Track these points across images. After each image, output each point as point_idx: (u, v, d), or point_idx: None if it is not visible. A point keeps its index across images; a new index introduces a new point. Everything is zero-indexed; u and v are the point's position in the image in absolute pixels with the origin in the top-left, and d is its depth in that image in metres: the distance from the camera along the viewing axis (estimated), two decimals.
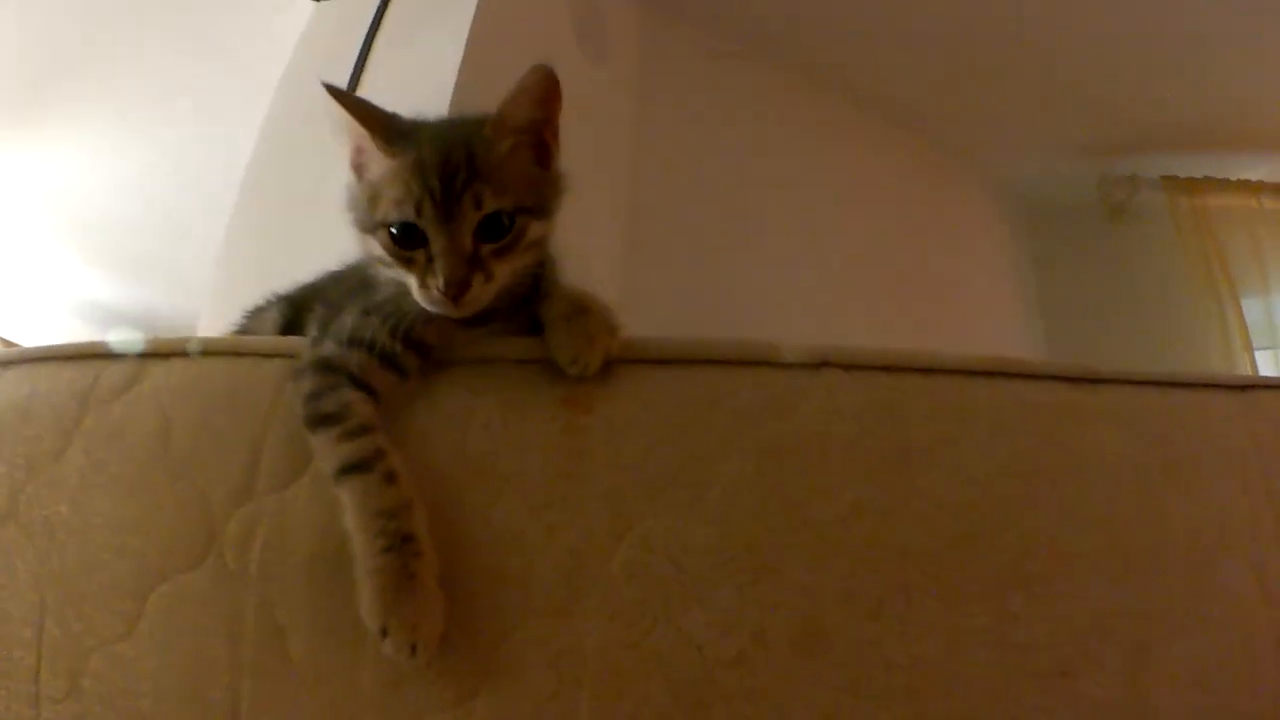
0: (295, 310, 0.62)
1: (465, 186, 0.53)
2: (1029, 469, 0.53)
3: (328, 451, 0.46)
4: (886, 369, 0.51)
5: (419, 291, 0.51)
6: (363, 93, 1.13)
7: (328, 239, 0.66)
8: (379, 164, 0.56)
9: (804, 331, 1.75)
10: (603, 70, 1.50)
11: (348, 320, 0.51)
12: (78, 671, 0.50)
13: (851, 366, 0.50)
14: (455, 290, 0.50)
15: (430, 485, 0.45)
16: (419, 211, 0.53)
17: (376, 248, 0.54)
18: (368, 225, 0.55)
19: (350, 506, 0.44)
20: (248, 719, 0.45)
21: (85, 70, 2.46)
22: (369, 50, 1.18)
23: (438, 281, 0.51)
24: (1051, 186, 2.45)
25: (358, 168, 0.59)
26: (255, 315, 0.65)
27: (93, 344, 0.54)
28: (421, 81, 0.94)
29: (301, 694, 0.45)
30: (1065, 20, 1.87)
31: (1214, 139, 2.19)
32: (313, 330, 0.53)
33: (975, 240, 2.41)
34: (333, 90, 0.56)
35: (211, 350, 0.51)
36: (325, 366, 0.48)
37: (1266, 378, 0.61)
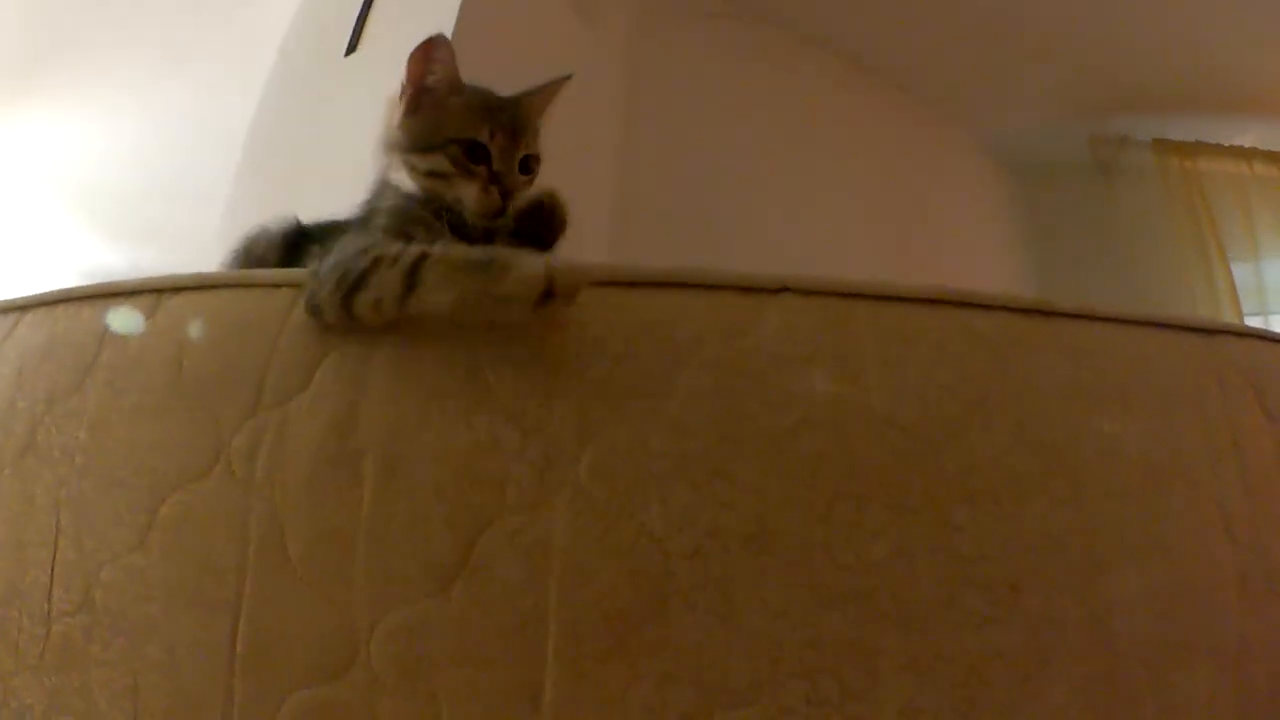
0: (298, 236, 0.77)
1: (521, 131, 0.80)
2: (975, 392, 0.60)
3: (383, 283, 0.54)
4: (841, 295, 0.59)
5: (478, 195, 0.75)
6: (363, 53, 1.24)
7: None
8: (454, 98, 0.81)
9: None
10: (594, 30, 1.59)
11: (350, 243, 0.60)
12: (89, 585, 0.59)
13: (809, 292, 0.58)
14: (508, 196, 0.76)
15: (415, 398, 0.54)
16: (491, 137, 0.77)
17: (436, 161, 0.76)
18: (432, 142, 0.78)
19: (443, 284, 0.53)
20: (249, 615, 0.54)
21: (85, 38, 2.55)
22: (368, 12, 1.28)
23: (498, 187, 0.75)
24: (1043, 145, 2.52)
25: (415, 101, 0.81)
26: (261, 234, 0.76)
27: (110, 284, 0.63)
28: (422, 30, 1.04)
29: (300, 590, 0.53)
30: None
31: (1206, 103, 2.26)
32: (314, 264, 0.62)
33: (967, 197, 2.48)
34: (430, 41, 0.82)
35: (223, 283, 0.60)
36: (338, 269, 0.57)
37: (1234, 324, 0.68)
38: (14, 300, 0.67)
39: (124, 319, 0.62)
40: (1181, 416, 0.67)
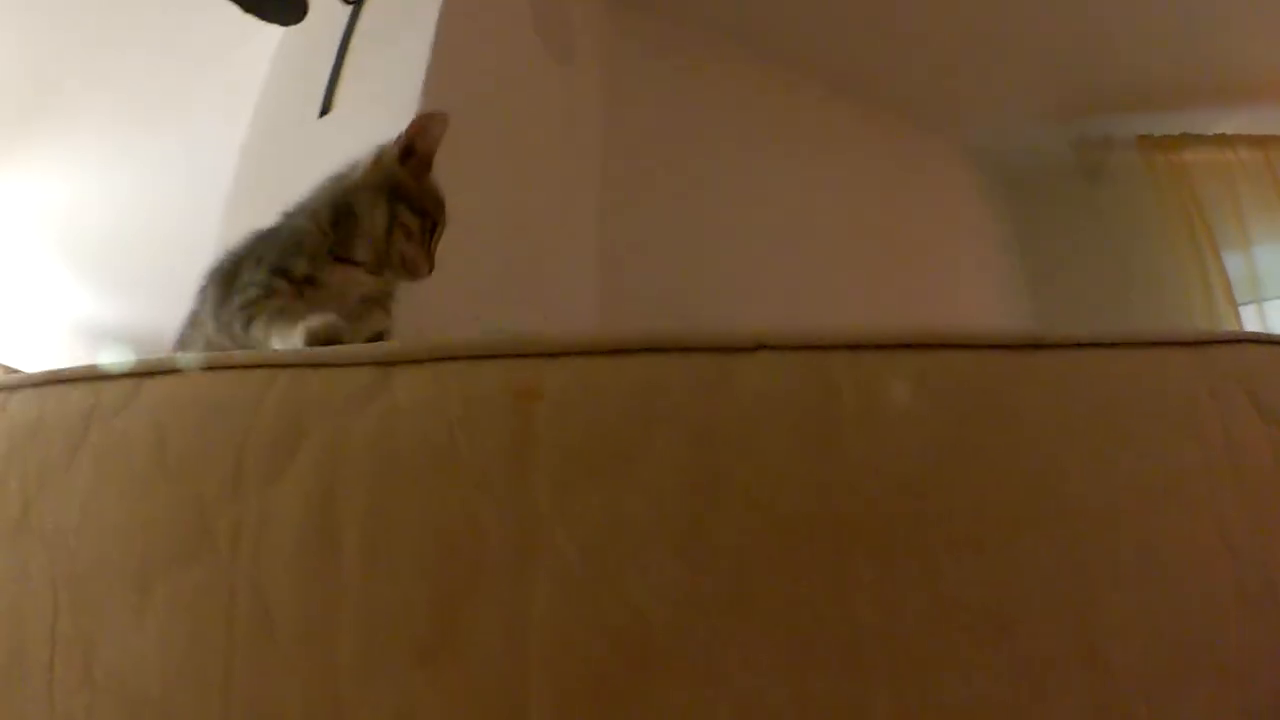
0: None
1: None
2: (961, 436, 0.60)
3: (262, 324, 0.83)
4: (818, 348, 0.59)
5: (423, 262, 0.98)
6: (338, 104, 1.29)
7: None
8: (429, 177, 1.01)
9: (781, 314, 1.84)
10: (570, 69, 1.61)
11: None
12: (89, 663, 0.61)
13: (785, 347, 0.58)
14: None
15: (393, 475, 0.55)
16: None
17: (411, 219, 0.96)
18: (414, 205, 0.97)
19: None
20: (240, 689, 0.55)
21: (68, 91, 2.63)
22: (341, 65, 1.31)
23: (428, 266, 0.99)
24: (1027, 152, 2.52)
25: (404, 156, 0.99)
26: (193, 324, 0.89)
27: (93, 367, 0.64)
28: (392, 91, 1.09)
29: (287, 664, 0.55)
30: None
31: (1187, 95, 2.25)
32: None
33: (955, 210, 2.48)
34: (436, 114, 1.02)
35: (199, 365, 0.61)
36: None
37: (1223, 332, 0.67)
38: (2, 381, 0.69)
39: (117, 361, 0.65)
40: (1173, 434, 0.66)
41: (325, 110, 1.31)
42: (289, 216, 1.00)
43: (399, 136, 0.98)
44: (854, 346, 0.60)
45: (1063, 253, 2.47)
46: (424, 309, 1.00)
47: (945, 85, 2.31)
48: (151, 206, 3.21)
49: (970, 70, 2.23)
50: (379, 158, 0.99)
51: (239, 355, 0.62)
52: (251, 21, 1.47)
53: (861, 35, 2.12)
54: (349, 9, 1.50)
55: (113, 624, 0.59)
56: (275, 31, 1.74)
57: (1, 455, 0.66)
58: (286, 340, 0.80)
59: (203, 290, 1.00)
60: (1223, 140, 2.39)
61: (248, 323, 0.85)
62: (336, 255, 0.94)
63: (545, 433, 0.54)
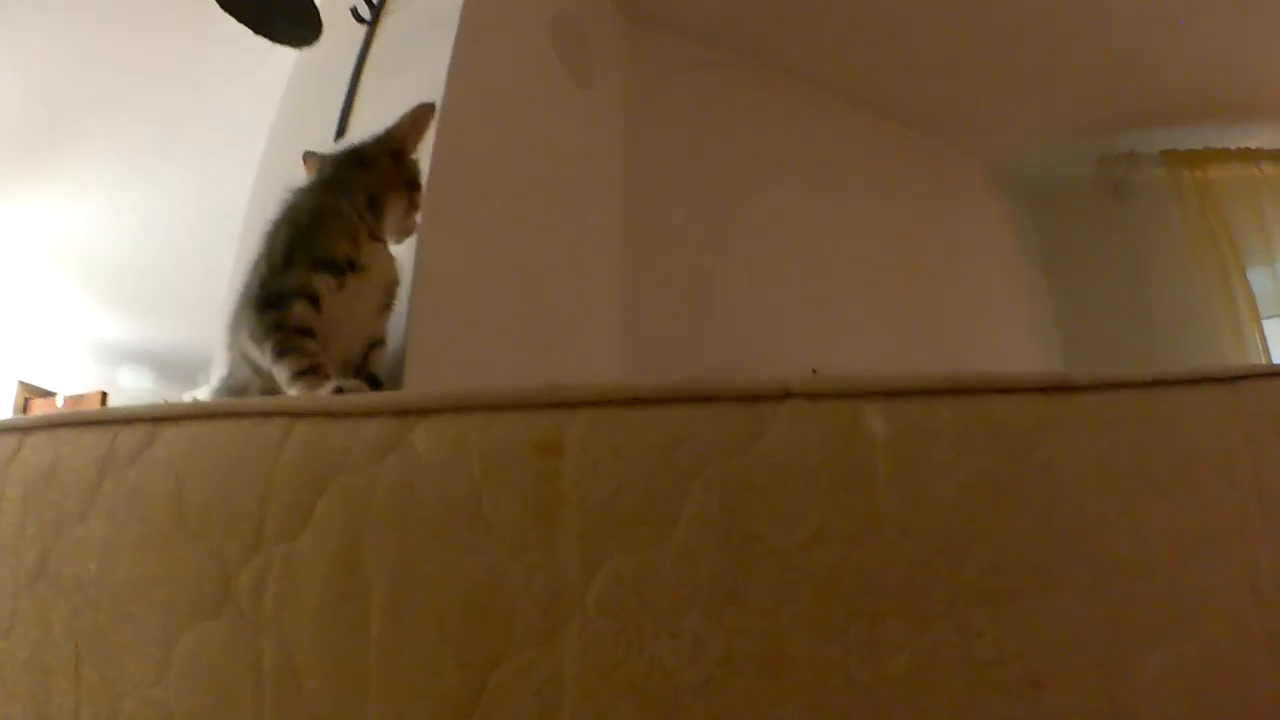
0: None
1: None
2: (996, 487, 0.59)
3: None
4: (849, 396, 0.58)
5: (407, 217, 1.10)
6: (354, 128, 1.30)
7: None
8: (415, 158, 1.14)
9: (809, 339, 1.83)
10: (590, 93, 1.60)
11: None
12: (114, 714, 0.61)
13: (815, 395, 0.57)
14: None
15: (417, 531, 0.54)
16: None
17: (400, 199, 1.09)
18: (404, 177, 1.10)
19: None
20: None
21: (82, 116, 2.68)
22: (356, 89, 1.30)
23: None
24: (1052, 169, 2.49)
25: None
26: (217, 392, 0.93)
27: (107, 410, 0.64)
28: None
29: None
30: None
31: (1211, 109, 2.21)
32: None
33: (979, 228, 2.45)
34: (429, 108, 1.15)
35: (216, 413, 0.60)
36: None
37: (1256, 366, 0.66)
38: (13, 421, 0.68)
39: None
40: (1207, 481, 0.65)
41: (341, 133, 1.31)
42: (292, 205, 1.05)
43: (402, 126, 1.10)
44: (885, 394, 0.59)
45: (1088, 268, 2.45)
46: (446, 343, 1.00)
47: (970, 103, 2.28)
48: (166, 230, 3.31)
49: (995, 88, 2.21)
50: (397, 151, 1.10)
51: (255, 402, 0.61)
52: (265, 46, 1.47)
53: (884, 52, 2.09)
54: (363, 30, 1.49)
55: (136, 676, 0.59)
56: (288, 55, 1.74)
57: (18, 501, 0.65)
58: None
59: (233, 312, 1.01)
60: (1247, 155, 2.36)
61: (279, 354, 0.88)
62: (373, 234, 1.04)
63: (572, 492, 0.53)
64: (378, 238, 1.05)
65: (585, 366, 1.47)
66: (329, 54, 1.53)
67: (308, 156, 1.15)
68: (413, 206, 1.10)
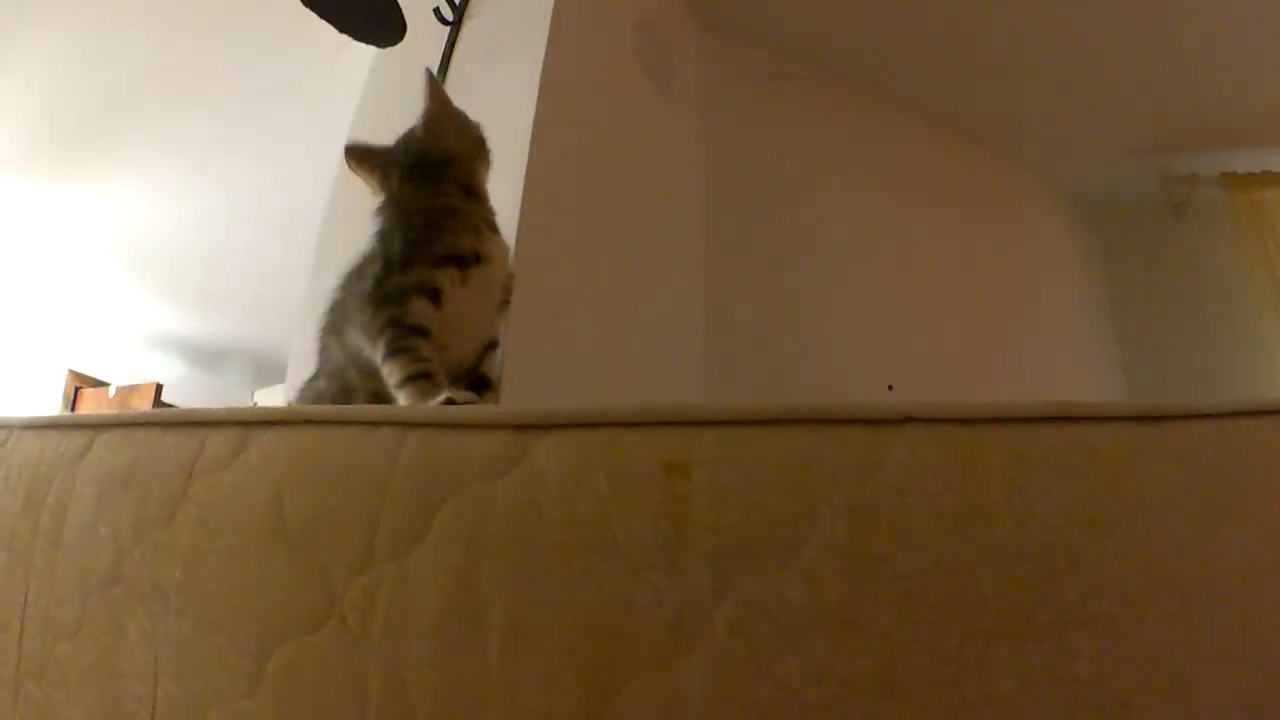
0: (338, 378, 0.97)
1: None
2: (1094, 513, 0.61)
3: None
4: (964, 421, 0.59)
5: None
6: None
7: None
8: None
9: (882, 353, 1.86)
10: (671, 99, 1.59)
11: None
12: None
13: (933, 420, 0.58)
14: None
15: (541, 550, 0.54)
16: None
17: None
18: None
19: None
20: None
21: (142, 110, 2.70)
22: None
23: None
24: (1114, 188, 2.57)
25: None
26: (307, 387, 0.89)
27: (192, 412, 0.61)
28: (500, 122, 1.07)
29: None
30: (1117, 21, 1.94)
31: (1271, 132, 2.28)
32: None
33: (1043, 244, 2.52)
34: None
35: (316, 419, 0.59)
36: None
37: None
38: (84, 417, 0.65)
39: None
40: (1276, 511, 0.69)
41: None
42: (401, 204, 1.02)
43: (437, 105, 1.08)
44: (997, 420, 0.60)
45: (1148, 286, 2.54)
46: (537, 347, 0.99)
47: (1038, 123, 2.34)
48: (227, 224, 3.34)
49: (1061, 108, 2.26)
50: (452, 128, 1.08)
51: (361, 410, 0.60)
52: (338, 43, 1.43)
53: (957, 71, 2.12)
54: (446, 31, 1.46)
55: (223, 688, 0.58)
56: (362, 54, 1.69)
57: (90, 500, 0.62)
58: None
59: (336, 301, 0.98)
60: None
61: (391, 352, 0.86)
62: (489, 223, 1.02)
63: (702, 515, 0.53)
64: (492, 226, 1.03)
65: (667, 367, 1.47)
66: (410, 54, 1.50)
67: (360, 153, 1.10)
68: (489, 160, 1.09)
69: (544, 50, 1.19)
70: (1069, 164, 2.53)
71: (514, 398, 1.00)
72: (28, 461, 0.69)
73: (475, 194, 1.05)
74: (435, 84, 1.11)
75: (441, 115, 1.08)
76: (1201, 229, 2.49)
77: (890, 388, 1.73)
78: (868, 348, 1.89)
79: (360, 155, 1.09)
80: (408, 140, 1.08)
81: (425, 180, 1.03)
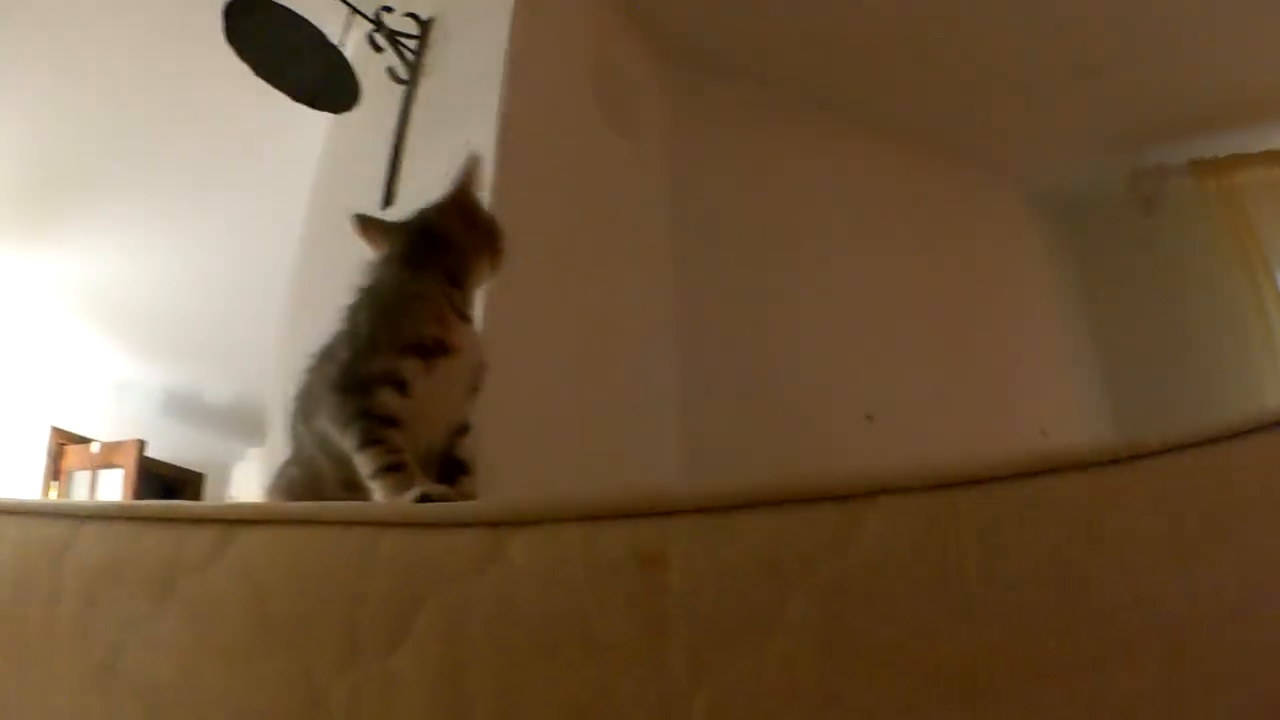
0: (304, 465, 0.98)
1: None
2: (1070, 565, 0.62)
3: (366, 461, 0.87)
4: (939, 487, 0.60)
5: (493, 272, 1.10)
6: (400, 196, 1.26)
7: None
8: None
9: (861, 380, 1.85)
10: (634, 143, 1.57)
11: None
12: None
13: (905, 489, 0.59)
14: None
15: (521, 646, 0.55)
16: None
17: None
18: None
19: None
20: None
21: (112, 168, 2.73)
22: (400, 149, 1.25)
23: None
24: (1083, 187, 2.54)
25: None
26: (282, 473, 0.90)
27: (171, 507, 0.62)
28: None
29: None
30: (1070, 12, 1.88)
31: (1237, 114, 2.24)
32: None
33: (1016, 249, 2.50)
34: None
35: (293, 518, 0.59)
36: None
37: None
38: (66, 506, 0.66)
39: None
40: (1268, 531, 0.69)
41: (389, 193, 1.27)
42: (375, 283, 1.02)
43: (462, 186, 1.08)
44: (971, 482, 0.60)
45: (1123, 282, 2.50)
46: (504, 414, 1.00)
47: (1001, 125, 2.31)
48: (200, 278, 3.52)
49: (1022, 110, 2.22)
50: (466, 212, 1.08)
51: (336, 509, 0.60)
52: (290, 115, 1.42)
53: (915, 81, 2.08)
54: (401, 90, 1.45)
55: None
56: (318, 123, 1.68)
57: (81, 594, 0.64)
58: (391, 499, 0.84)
59: (304, 388, 0.99)
60: (1273, 156, 2.39)
61: (363, 444, 0.87)
62: (461, 313, 1.01)
63: (678, 606, 0.54)
64: (465, 316, 1.03)
65: (642, 416, 1.47)
66: (368, 114, 1.48)
67: (366, 223, 1.09)
68: (496, 259, 1.09)
69: (499, 107, 1.16)
70: (1034, 165, 2.49)
71: (490, 472, 1.00)
72: (15, 548, 0.70)
73: (460, 284, 1.04)
74: (469, 171, 1.11)
75: (459, 200, 1.08)
76: (1174, 219, 2.46)
77: (870, 418, 1.74)
78: (846, 375, 1.89)
79: (367, 223, 1.10)
80: (421, 214, 1.08)
81: (417, 257, 1.03)
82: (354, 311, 0.99)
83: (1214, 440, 0.70)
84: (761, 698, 0.54)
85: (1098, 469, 0.65)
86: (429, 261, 1.02)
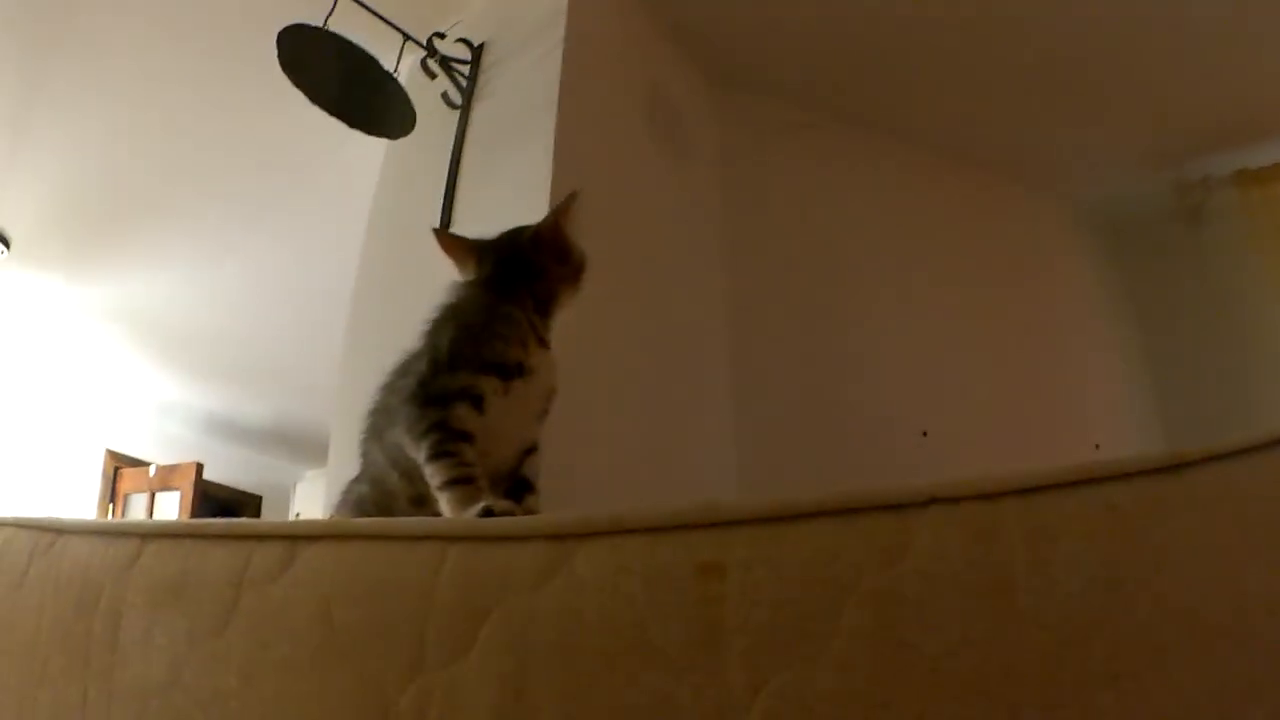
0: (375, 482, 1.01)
1: None
2: (1116, 574, 0.63)
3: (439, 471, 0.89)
4: (988, 496, 0.61)
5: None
6: (457, 220, 1.29)
7: None
8: None
9: (914, 397, 1.87)
10: (686, 165, 1.60)
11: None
12: None
13: (956, 499, 0.61)
14: None
15: (584, 657, 0.57)
16: None
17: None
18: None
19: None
20: None
21: (170, 194, 2.79)
22: (457, 172, 1.28)
23: None
24: (1130, 201, 2.54)
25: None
26: (350, 490, 0.93)
27: (238, 524, 0.64)
28: (515, 205, 1.09)
29: None
30: (1113, 28, 1.90)
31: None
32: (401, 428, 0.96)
33: (1065, 269, 2.51)
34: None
35: (360, 533, 0.61)
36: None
37: None
38: (130, 525, 0.68)
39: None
40: None
41: (447, 215, 1.31)
42: (460, 300, 1.06)
43: (557, 220, 1.11)
44: (1020, 491, 0.62)
45: (1171, 298, 2.52)
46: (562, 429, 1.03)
47: (1046, 145, 2.31)
48: (256, 303, 3.41)
49: (1070, 127, 2.23)
50: (558, 247, 1.11)
51: (404, 524, 0.63)
52: (345, 139, 1.45)
53: (962, 101, 2.11)
54: (455, 115, 1.49)
55: None
56: (373, 149, 1.72)
57: (144, 610, 0.66)
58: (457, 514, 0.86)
59: (378, 405, 1.02)
60: None
61: (435, 454, 0.89)
62: (542, 340, 1.04)
63: (734, 615, 0.56)
64: (545, 342, 1.06)
65: (699, 434, 1.49)
66: (423, 139, 1.52)
67: (449, 238, 1.12)
68: (577, 291, 1.12)
69: (553, 131, 1.19)
70: (1081, 181, 2.51)
71: (553, 490, 1.03)
72: (76, 566, 0.72)
73: (545, 313, 1.07)
74: (568, 205, 1.13)
75: (554, 232, 1.10)
76: (1220, 232, 2.46)
77: (925, 434, 1.75)
78: (900, 391, 1.90)
79: (449, 238, 1.13)
80: (513, 236, 1.11)
81: (506, 282, 1.06)
82: (436, 328, 1.02)
83: (1259, 449, 0.71)
84: (816, 704, 0.56)
85: (1144, 478, 0.67)
86: (518, 287, 1.05)
